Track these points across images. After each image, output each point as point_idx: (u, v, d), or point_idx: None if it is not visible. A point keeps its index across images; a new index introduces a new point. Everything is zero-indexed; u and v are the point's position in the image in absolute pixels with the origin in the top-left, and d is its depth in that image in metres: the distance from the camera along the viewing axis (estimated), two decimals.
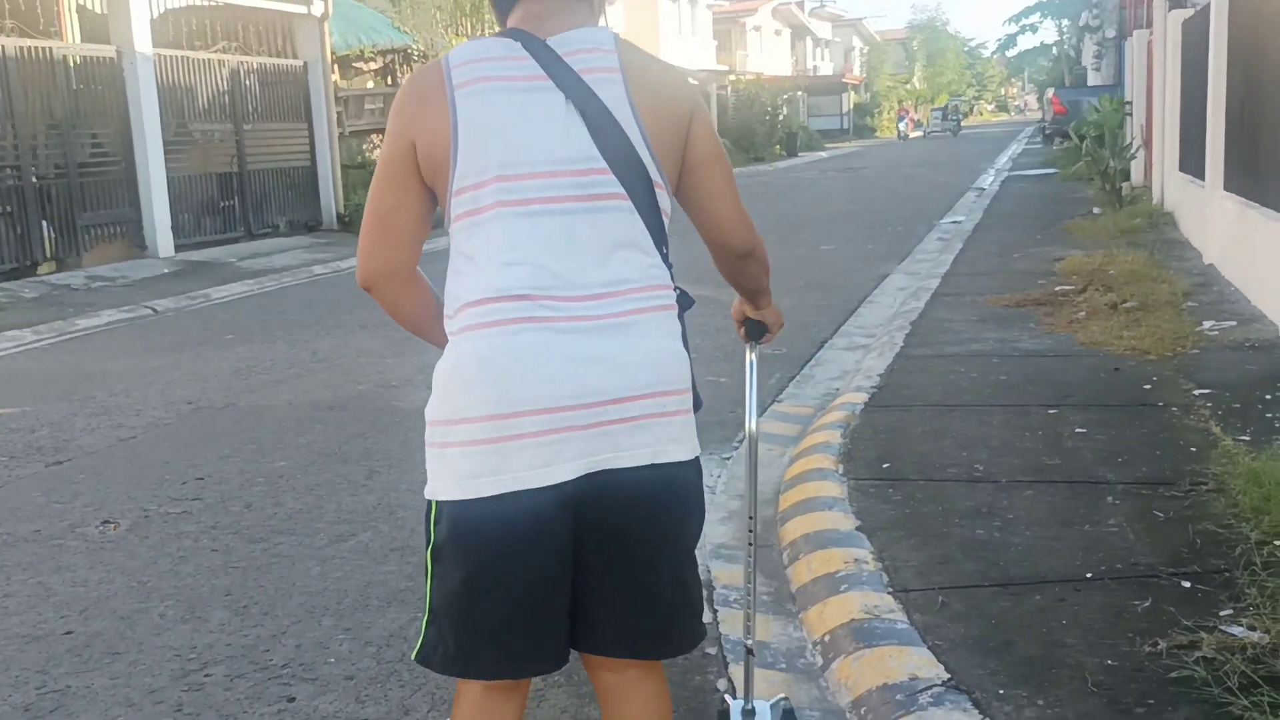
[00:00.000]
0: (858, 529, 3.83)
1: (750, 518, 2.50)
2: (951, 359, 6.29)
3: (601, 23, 1.96)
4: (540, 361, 1.73)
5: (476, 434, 1.74)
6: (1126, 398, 5.25)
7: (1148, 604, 3.09)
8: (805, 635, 3.27)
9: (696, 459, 1.88)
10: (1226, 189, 8.62)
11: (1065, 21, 32.41)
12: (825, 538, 3.78)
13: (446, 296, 1.87)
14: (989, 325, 7.13)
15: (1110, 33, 23.24)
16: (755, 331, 2.39)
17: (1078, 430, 4.79)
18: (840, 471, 4.46)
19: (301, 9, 16.23)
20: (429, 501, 1.84)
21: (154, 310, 10.40)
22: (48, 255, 12.39)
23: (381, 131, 18.81)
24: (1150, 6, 17.09)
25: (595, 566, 1.83)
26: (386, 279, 1.95)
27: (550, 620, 1.83)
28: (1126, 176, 14.15)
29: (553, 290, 1.75)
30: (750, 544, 2.52)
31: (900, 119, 56.78)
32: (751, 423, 2.44)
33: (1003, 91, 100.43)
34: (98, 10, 14.58)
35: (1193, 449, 4.42)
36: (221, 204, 15.13)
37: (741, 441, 5.26)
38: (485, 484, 1.73)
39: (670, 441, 1.82)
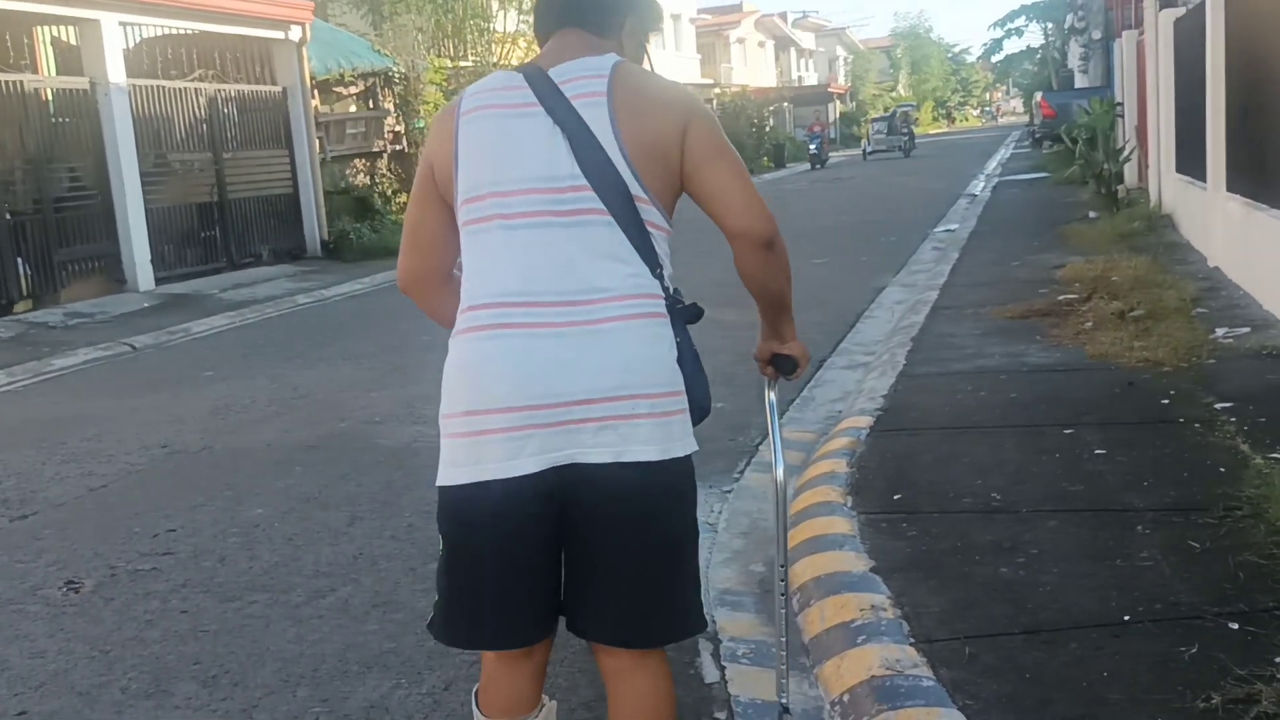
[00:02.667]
0: (872, 570, 3.56)
1: (781, 565, 2.49)
2: (957, 376, 6.03)
3: (645, 62, 2.22)
4: (509, 364, 1.92)
5: (458, 428, 1.95)
6: (1145, 414, 5.00)
7: (1194, 650, 2.83)
8: (822, 693, 3.01)
9: (677, 460, 1.99)
10: (1230, 190, 8.39)
11: (1050, 25, 32.29)
12: (838, 581, 3.52)
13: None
14: (993, 339, 6.88)
15: (1096, 34, 23.09)
16: (786, 366, 2.33)
17: (1097, 452, 4.53)
18: (849, 505, 4.20)
19: (279, 34, 16.00)
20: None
21: (132, 347, 10.11)
22: (24, 293, 12.11)
23: (364, 156, 18.61)
24: (1139, 7, 16.95)
25: (575, 555, 2.02)
26: (417, 284, 2.21)
27: (522, 600, 2.03)
28: (1121, 179, 13.94)
29: (530, 298, 1.93)
30: (782, 593, 2.48)
31: (812, 139, 37.41)
32: (779, 470, 2.38)
33: (987, 96, 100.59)
34: (72, 41, 14.36)
35: (1221, 469, 4.17)
36: (202, 234, 14.87)
37: (743, 473, 5.00)
38: (462, 473, 1.95)
39: (639, 442, 1.94)
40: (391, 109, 18.98)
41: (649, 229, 2.00)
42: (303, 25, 16.26)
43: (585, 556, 2.02)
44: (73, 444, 6.45)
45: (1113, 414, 5.05)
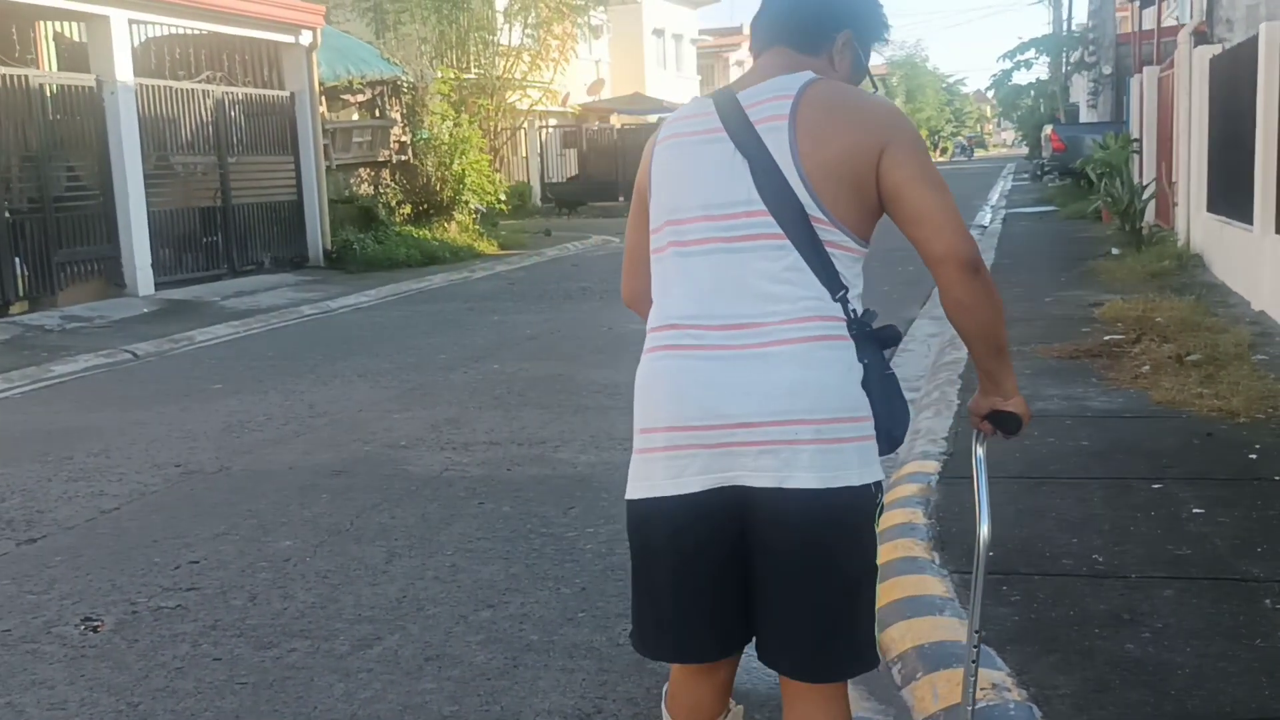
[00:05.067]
0: (983, 642, 3.25)
1: (976, 631, 2.34)
2: None
3: (863, 78, 2.16)
4: (673, 385, 1.96)
5: (638, 444, 2.03)
6: (1234, 470, 4.71)
7: None
8: None
9: (846, 490, 1.91)
10: (1278, 232, 8.15)
11: (1052, 59, 32.21)
12: (946, 652, 3.21)
13: None
14: (1046, 380, 6.59)
15: (1107, 70, 23.01)
16: (1009, 425, 2.17)
17: (1194, 511, 4.24)
18: (937, 562, 3.90)
19: (289, 38, 15.68)
20: None
21: (134, 355, 9.74)
22: (20, 294, 11.71)
23: (369, 165, 18.27)
24: (1158, 42, 16.80)
25: (756, 577, 2.01)
26: (637, 302, 2.25)
27: (702, 618, 2.03)
28: (1143, 216, 13.73)
29: (699, 321, 1.96)
30: (973, 660, 2.34)
31: None
32: (984, 529, 2.28)
33: (980, 129, 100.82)
34: (77, 38, 14.01)
35: None
36: (204, 240, 14.48)
37: None
38: (639, 487, 2.01)
39: (801, 469, 1.90)
40: (398, 119, 18.65)
41: (830, 250, 1.96)
42: (314, 30, 15.93)
43: (758, 581, 2.01)
44: (79, 459, 6.09)
45: (1199, 469, 4.76)
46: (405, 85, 18.70)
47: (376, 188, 18.24)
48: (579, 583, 4.07)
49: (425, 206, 18.22)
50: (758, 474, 1.92)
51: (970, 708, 2.35)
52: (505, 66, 23.42)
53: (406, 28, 22.80)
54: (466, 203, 18.62)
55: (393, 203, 17.87)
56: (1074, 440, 5.30)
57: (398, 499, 5.16)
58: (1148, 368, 6.65)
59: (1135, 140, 15.81)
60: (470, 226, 18.69)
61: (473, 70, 22.90)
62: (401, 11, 22.84)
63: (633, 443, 2.05)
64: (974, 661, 2.33)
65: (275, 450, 6.15)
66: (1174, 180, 13.05)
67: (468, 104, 21.00)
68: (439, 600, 3.96)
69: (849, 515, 1.95)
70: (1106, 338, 7.67)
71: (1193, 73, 11.44)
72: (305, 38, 15.87)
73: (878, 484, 1.98)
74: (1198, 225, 11.71)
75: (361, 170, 18.17)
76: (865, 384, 1.95)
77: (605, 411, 6.63)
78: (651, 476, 1.99)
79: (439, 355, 8.92)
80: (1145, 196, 13.73)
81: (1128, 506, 4.33)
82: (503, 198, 20.07)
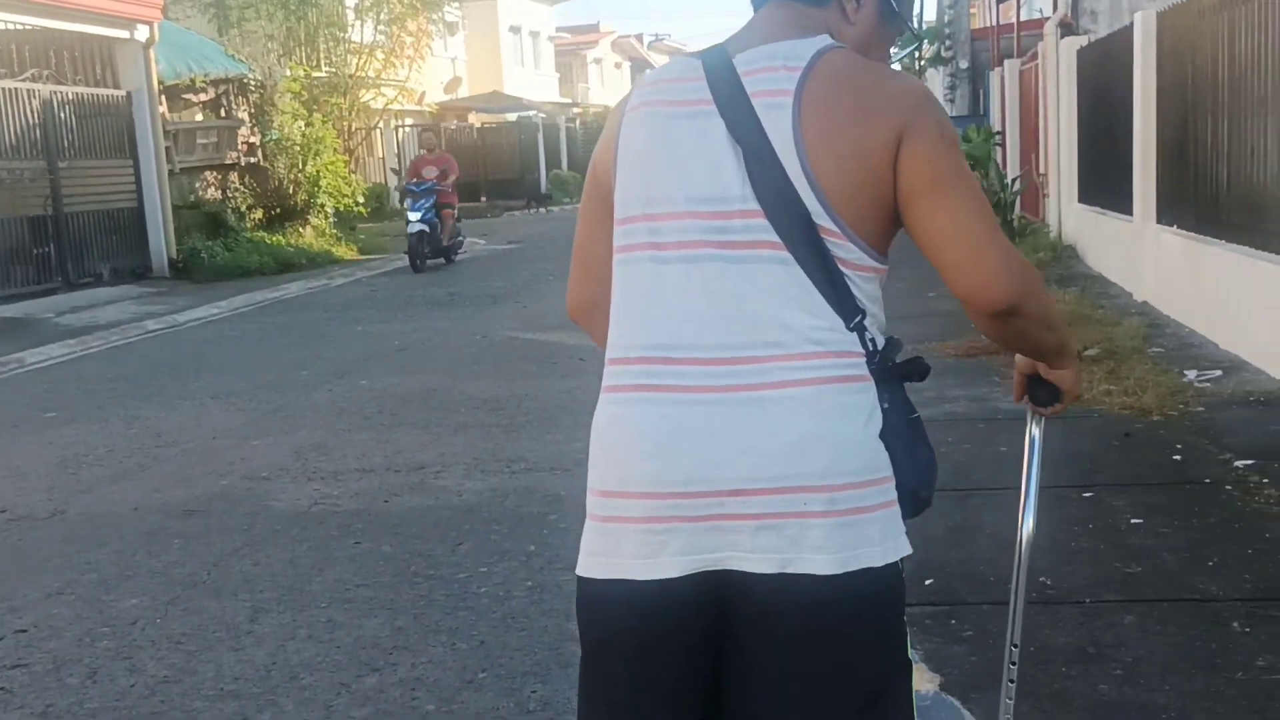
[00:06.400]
0: (942, 689, 2.90)
1: (1014, 646, 1.96)
2: (930, 425, 5.42)
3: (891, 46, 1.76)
4: (650, 439, 1.52)
5: (595, 508, 1.59)
6: (1163, 474, 4.50)
7: None
8: None
9: (868, 573, 1.47)
10: (1161, 222, 8.13)
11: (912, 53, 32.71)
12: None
13: None
14: (949, 380, 6.36)
15: (964, 64, 23.41)
16: (1042, 396, 1.79)
17: (1133, 521, 4.00)
18: None
19: (123, 34, 14.64)
20: None
21: None
22: None
23: (215, 168, 17.28)
24: (1018, 36, 17.04)
25: (736, 686, 1.55)
26: (589, 314, 1.77)
27: None
28: (1013, 208, 13.83)
29: (680, 352, 1.52)
30: (1010, 680, 1.95)
31: (409, 192, 15.66)
32: (1028, 522, 1.94)
33: None
34: None
35: None
36: (34, 251, 13.38)
37: None
38: (597, 564, 1.57)
39: (811, 549, 1.47)
40: (246, 119, 17.71)
41: (843, 269, 1.51)
42: (150, 25, 14.92)
43: (746, 691, 1.54)
44: None
45: (1127, 474, 4.55)
46: (252, 83, 17.79)
47: (225, 192, 17.26)
48: (476, 635, 3.59)
49: (278, 210, 17.33)
50: (755, 555, 1.49)
51: (1008, 710, 1.96)
52: (358, 64, 22.61)
53: (251, 24, 21.76)
54: (322, 206, 17.80)
55: (243, 207, 16.92)
56: (991, 446, 5.04)
57: (261, 541, 4.58)
58: None
59: (998, 133, 15.97)
60: (327, 231, 17.87)
61: (324, 68, 22.02)
62: (246, 7, 21.81)
63: (588, 504, 1.60)
64: (1011, 681, 1.94)
65: (118, 488, 5.47)
66: (1043, 172, 13.15)
67: (320, 103, 20.13)
68: (315, 665, 3.43)
69: (873, 606, 1.51)
70: None
71: (1060, 64, 11.49)
72: (141, 33, 14.85)
73: (900, 560, 1.54)
74: (1070, 216, 11.78)
75: (208, 173, 17.17)
76: (885, 432, 1.52)
77: (488, 430, 6.14)
78: (618, 553, 1.54)
79: (300, 372, 8.27)
80: (1015, 189, 13.83)
81: (1064, 519, 4.06)
82: (360, 200, 19.29)
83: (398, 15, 22.99)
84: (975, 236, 1.49)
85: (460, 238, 16.32)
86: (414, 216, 14.98)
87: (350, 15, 22.87)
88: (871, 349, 1.53)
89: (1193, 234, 7.44)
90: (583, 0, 79.40)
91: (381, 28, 23.33)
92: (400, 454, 5.77)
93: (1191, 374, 5.99)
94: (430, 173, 15.61)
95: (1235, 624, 3.16)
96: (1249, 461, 4.52)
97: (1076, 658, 3.02)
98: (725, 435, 1.49)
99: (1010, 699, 1.93)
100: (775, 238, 1.50)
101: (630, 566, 1.53)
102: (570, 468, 5.29)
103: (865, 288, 1.53)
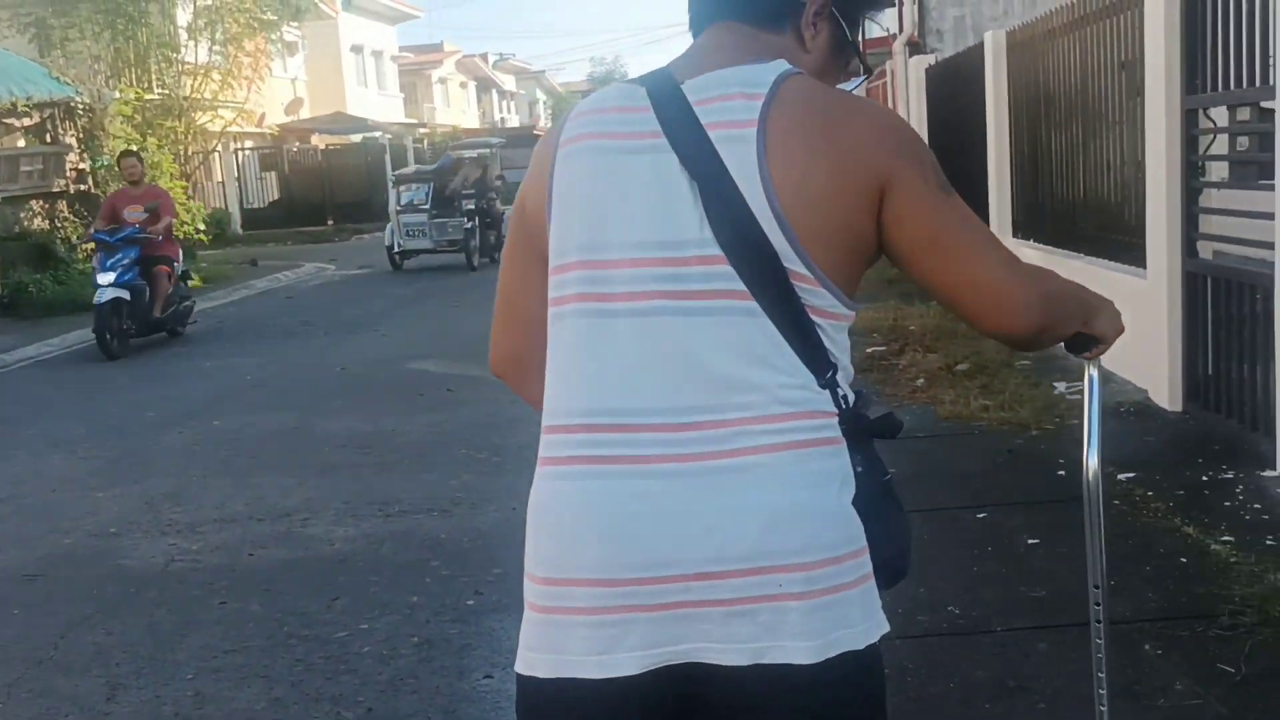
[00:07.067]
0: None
1: (1095, 586, 1.83)
2: None
3: (851, 69, 1.57)
4: (599, 518, 1.35)
5: (535, 597, 1.40)
6: (1051, 491, 4.51)
7: None
8: None
9: (849, 657, 1.32)
10: (1018, 237, 8.32)
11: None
12: None
13: None
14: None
15: None
16: (1077, 344, 1.59)
17: (1030, 542, 3.98)
18: None
19: None
20: None
21: None
22: None
23: (42, 197, 16.33)
24: (862, 54, 17.41)
25: None
26: (515, 367, 1.61)
27: None
28: None
29: (632, 419, 1.36)
30: (1098, 619, 1.83)
31: (99, 242, 10.64)
32: (1092, 460, 1.75)
33: None
34: None
35: (1183, 559, 3.71)
36: None
37: None
38: (539, 662, 1.39)
39: (789, 636, 1.32)
40: (74, 144, 16.80)
41: (814, 318, 1.37)
42: None
43: None
44: None
45: (1016, 492, 4.55)
46: (80, 107, 16.88)
47: (53, 221, 16.31)
48: (362, 702, 3.33)
49: None
50: (726, 646, 1.33)
51: (1102, 691, 1.81)
52: (193, 86, 21.77)
53: (76, 44, 20.74)
54: None
55: (73, 238, 16.01)
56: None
57: (114, 607, 4.20)
58: (922, 380, 6.52)
59: None
60: None
61: (156, 90, 21.12)
62: (69, 27, 20.78)
63: (526, 591, 1.42)
64: (1099, 622, 1.82)
65: None
66: None
67: (154, 127, 19.28)
68: None
69: (854, 691, 1.36)
70: (869, 350, 7.55)
71: (909, 82, 11.74)
72: None
73: (880, 640, 1.39)
74: None
75: (33, 202, 16.18)
76: (859, 499, 1.37)
77: (357, 470, 5.82)
78: (564, 649, 1.36)
79: (146, 413, 7.76)
80: None
81: (961, 543, 4.02)
82: (201, 226, 18.53)
83: (234, 35, 22.24)
84: (988, 284, 1.40)
85: (189, 301, 11.71)
86: (104, 279, 10.12)
87: (183, 35, 22.05)
88: (844, 407, 1.39)
89: (1049, 247, 7.62)
90: (425, 20, 78.62)
91: (217, 48, 22.54)
92: (262, 501, 5.41)
93: (1061, 385, 6.09)
94: (133, 214, 10.90)
95: (1147, 646, 3.13)
96: (1131, 474, 4.57)
97: (999, 693, 2.94)
98: (688, 511, 1.33)
99: (1101, 639, 1.83)
100: (739, 285, 1.35)
101: (580, 664, 1.36)
102: (449, 508, 5.04)
103: (837, 338, 1.40)
